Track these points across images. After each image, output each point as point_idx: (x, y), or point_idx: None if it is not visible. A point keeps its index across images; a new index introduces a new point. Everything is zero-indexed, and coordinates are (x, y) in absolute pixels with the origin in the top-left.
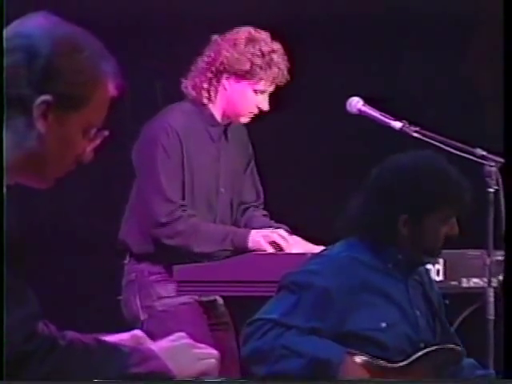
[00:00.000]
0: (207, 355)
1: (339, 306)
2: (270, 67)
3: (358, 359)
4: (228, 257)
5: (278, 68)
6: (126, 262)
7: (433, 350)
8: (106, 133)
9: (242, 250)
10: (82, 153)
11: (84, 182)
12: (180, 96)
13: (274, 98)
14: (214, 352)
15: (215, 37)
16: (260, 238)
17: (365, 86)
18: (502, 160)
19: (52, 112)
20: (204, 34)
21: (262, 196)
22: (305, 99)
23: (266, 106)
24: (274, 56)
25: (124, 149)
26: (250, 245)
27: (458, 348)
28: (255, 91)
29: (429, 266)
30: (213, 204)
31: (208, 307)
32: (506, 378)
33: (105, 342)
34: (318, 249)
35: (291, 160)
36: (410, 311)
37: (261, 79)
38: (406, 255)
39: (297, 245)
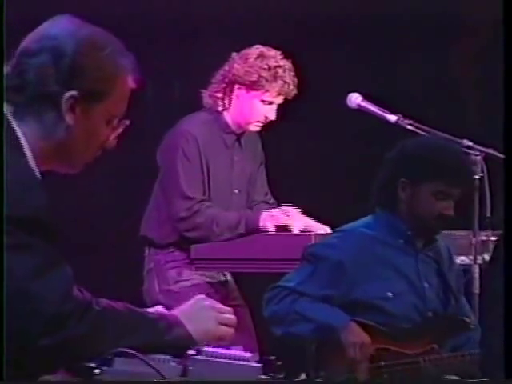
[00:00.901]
0: (227, 320)
1: (350, 277)
2: (275, 80)
3: (361, 325)
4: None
5: (283, 81)
6: (145, 254)
7: (438, 319)
8: (127, 122)
9: (254, 231)
10: (106, 140)
11: (108, 175)
12: (199, 103)
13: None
14: (233, 317)
15: (233, 54)
16: (267, 220)
17: (364, 83)
18: (486, 150)
19: (78, 105)
20: (225, 51)
21: (269, 195)
22: (308, 98)
23: (273, 116)
24: (280, 70)
25: (144, 147)
26: (261, 225)
27: (466, 319)
28: (263, 101)
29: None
30: (227, 204)
31: (221, 287)
32: (506, 378)
33: (134, 310)
34: (317, 225)
35: (296, 156)
36: (417, 283)
37: (267, 90)
38: (415, 231)
39: (299, 220)
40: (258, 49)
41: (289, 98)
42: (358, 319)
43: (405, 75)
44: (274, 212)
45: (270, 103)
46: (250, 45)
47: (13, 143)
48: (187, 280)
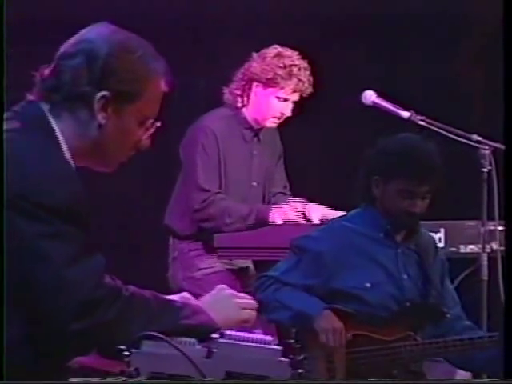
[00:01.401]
0: (248, 305)
1: (331, 268)
2: (290, 77)
3: (340, 312)
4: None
5: (298, 79)
6: (170, 243)
7: (416, 308)
8: (159, 123)
9: (263, 224)
10: (139, 141)
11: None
12: (220, 99)
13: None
14: (254, 302)
15: (254, 53)
16: (276, 214)
17: (379, 81)
18: (494, 144)
19: (110, 105)
20: (246, 51)
21: (288, 187)
22: (326, 95)
23: (288, 112)
24: (294, 69)
25: (171, 142)
26: (271, 219)
27: (443, 309)
28: (278, 98)
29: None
30: (246, 196)
31: (241, 274)
32: (506, 378)
33: (161, 296)
34: (334, 212)
35: (313, 150)
36: (396, 274)
37: (282, 88)
38: (394, 225)
39: (316, 210)
40: (275, 49)
41: (304, 95)
42: (336, 306)
43: (417, 74)
44: (283, 207)
45: (285, 100)
46: (269, 44)
47: (50, 138)
48: (209, 268)
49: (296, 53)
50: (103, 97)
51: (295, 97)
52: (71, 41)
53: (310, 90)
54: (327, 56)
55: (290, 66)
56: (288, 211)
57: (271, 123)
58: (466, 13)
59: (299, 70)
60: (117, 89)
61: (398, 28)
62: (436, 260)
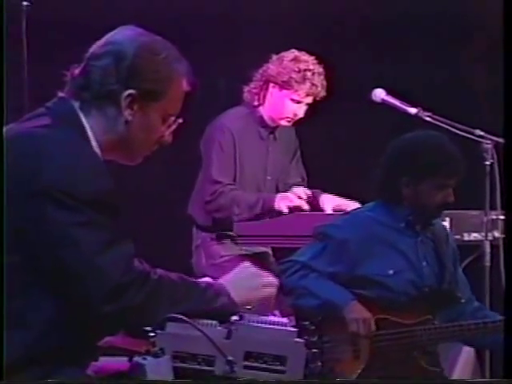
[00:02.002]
0: (269, 283)
1: (355, 255)
2: (303, 81)
3: (363, 298)
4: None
5: (311, 83)
6: (193, 231)
7: (433, 294)
8: (181, 120)
9: (270, 211)
10: (162, 136)
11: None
12: (239, 97)
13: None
14: (275, 281)
15: (273, 55)
16: (281, 201)
17: (388, 79)
18: (496, 139)
19: (136, 103)
20: (265, 53)
21: (305, 179)
22: (339, 93)
23: (300, 114)
24: (308, 73)
25: (195, 137)
26: (276, 207)
27: (458, 294)
28: (292, 100)
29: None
30: (261, 189)
31: (261, 260)
32: (506, 378)
33: (187, 279)
34: (347, 203)
35: (328, 144)
36: (416, 262)
37: (296, 90)
38: (415, 216)
39: (331, 201)
40: (293, 53)
41: (317, 98)
42: (360, 292)
43: (424, 73)
44: (287, 194)
45: (299, 102)
46: (287, 44)
47: (80, 134)
48: (230, 254)
49: (312, 58)
50: (130, 95)
51: (308, 99)
52: (100, 42)
53: (322, 93)
54: (340, 55)
55: (305, 70)
56: (292, 198)
57: (285, 123)
58: (466, 13)
59: (313, 74)
60: (142, 87)
61: (405, 30)
62: (448, 247)
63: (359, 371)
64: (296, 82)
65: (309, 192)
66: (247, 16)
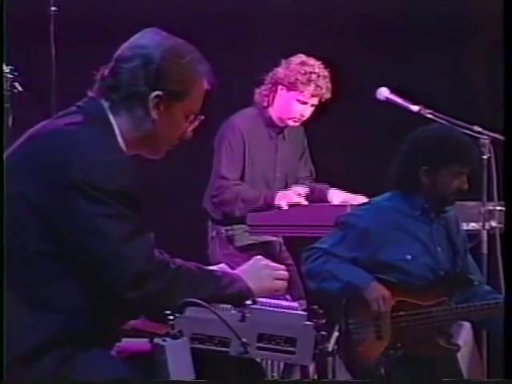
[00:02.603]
0: (280, 275)
1: (375, 242)
2: (308, 83)
3: (383, 281)
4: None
5: (316, 85)
6: (208, 223)
7: (448, 277)
8: (202, 117)
9: (270, 207)
10: (184, 132)
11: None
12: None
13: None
14: (286, 273)
15: (283, 60)
16: (281, 198)
17: (391, 78)
18: (493, 134)
19: (162, 103)
20: (277, 56)
21: (314, 175)
22: (345, 91)
23: (306, 115)
24: (313, 76)
25: (212, 134)
26: (276, 203)
27: (471, 277)
28: (298, 100)
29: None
30: (270, 185)
31: (273, 249)
32: (506, 378)
33: (203, 268)
34: (354, 197)
35: (336, 139)
36: (432, 248)
37: (302, 91)
38: (430, 204)
39: (338, 195)
40: (300, 57)
41: (323, 100)
42: (380, 276)
43: (426, 72)
44: (287, 192)
45: (305, 103)
46: (295, 50)
47: (108, 132)
48: (243, 245)
49: (319, 62)
50: (157, 96)
51: (314, 101)
52: (127, 44)
53: (328, 95)
54: (346, 56)
55: (310, 72)
56: (292, 195)
57: (292, 123)
58: (466, 13)
59: (318, 77)
60: (169, 89)
61: (406, 30)
62: (459, 235)
63: (382, 350)
64: (301, 83)
65: (308, 190)
66: (260, 19)
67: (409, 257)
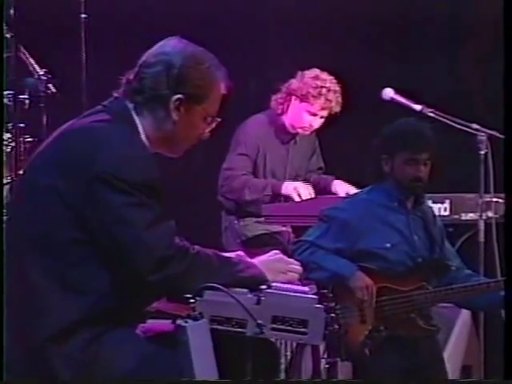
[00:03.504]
0: (293, 268)
1: (355, 233)
2: (319, 96)
3: (365, 269)
4: (271, 202)
5: (326, 99)
6: (222, 214)
7: (426, 263)
8: (219, 119)
9: (277, 195)
10: (202, 133)
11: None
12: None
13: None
14: (299, 267)
15: (299, 72)
16: (291, 189)
17: (395, 80)
18: (490, 131)
19: (183, 106)
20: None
21: (323, 169)
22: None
23: (315, 125)
24: (324, 90)
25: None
26: (283, 192)
27: (447, 263)
28: (308, 112)
29: (434, 207)
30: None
31: (284, 238)
32: (506, 378)
33: (220, 253)
34: (354, 189)
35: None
36: (409, 236)
37: (312, 104)
38: (405, 195)
39: (342, 186)
40: (314, 71)
41: (332, 113)
42: (363, 265)
43: (427, 73)
44: (293, 182)
45: (314, 114)
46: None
47: (133, 130)
48: (254, 234)
49: (331, 77)
50: (178, 99)
51: (324, 113)
52: (151, 51)
53: (337, 109)
54: (353, 57)
55: (321, 87)
56: (298, 186)
57: (302, 131)
58: (467, 14)
59: (328, 91)
60: (188, 92)
61: (407, 32)
62: (436, 224)
63: (366, 333)
64: (312, 96)
65: (311, 188)
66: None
67: (388, 245)
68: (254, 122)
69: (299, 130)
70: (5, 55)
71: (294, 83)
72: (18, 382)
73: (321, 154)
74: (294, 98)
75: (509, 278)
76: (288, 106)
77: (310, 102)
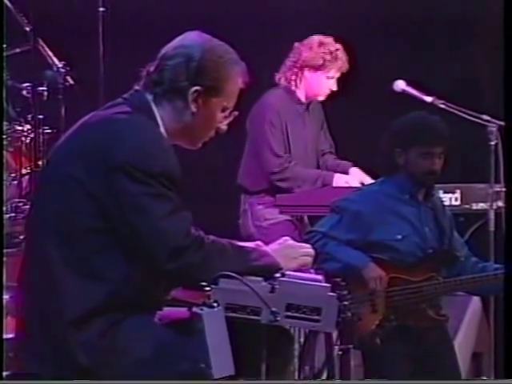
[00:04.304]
0: (306, 253)
1: (367, 224)
2: (336, 60)
3: (377, 260)
4: None
5: (342, 61)
6: (241, 197)
7: (436, 254)
8: (237, 113)
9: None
10: (220, 126)
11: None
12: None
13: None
14: (311, 251)
15: (296, 44)
16: (342, 182)
17: (407, 71)
18: (500, 122)
19: (201, 98)
20: (290, 42)
21: (333, 146)
22: (364, 82)
23: (335, 88)
24: (338, 53)
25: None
26: (334, 184)
27: (457, 253)
28: (327, 77)
29: (444, 198)
30: (303, 158)
31: (299, 225)
32: (506, 378)
33: (234, 243)
34: (369, 179)
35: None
36: (420, 227)
37: (330, 69)
38: (416, 188)
39: (357, 175)
40: (314, 39)
41: (343, 72)
42: (374, 255)
43: (440, 66)
44: (343, 175)
45: (333, 78)
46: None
47: (152, 121)
48: (273, 218)
49: (331, 38)
50: (196, 91)
51: (338, 74)
52: (171, 45)
53: (346, 65)
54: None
55: (335, 50)
56: (349, 179)
57: (322, 98)
58: (477, 13)
59: (341, 52)
60: (207, 85)
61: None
62: (445, 215)
63: (377, 322)
64: (330, 62)
65: (361, 179)
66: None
67: (399, 236)
68: (270, 96)
69: (319, 98)
70: (24, 48)
71: (304, 56)
72: (17, 382)
73: (328, 131)
74: (306, 70)
75: None
76: (301, 80)
77: (327, 68)
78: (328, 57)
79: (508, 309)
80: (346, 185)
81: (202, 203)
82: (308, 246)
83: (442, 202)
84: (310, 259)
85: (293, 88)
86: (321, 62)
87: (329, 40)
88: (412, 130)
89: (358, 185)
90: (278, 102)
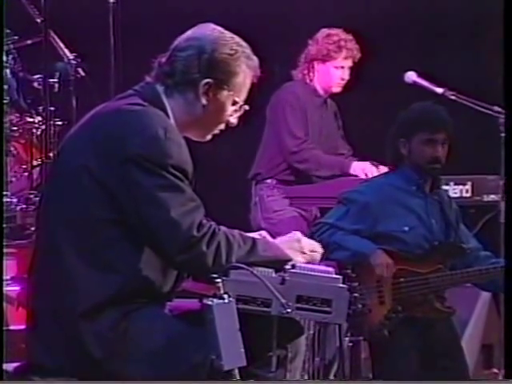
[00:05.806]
0: (313, 248)
1: (374, 215)
2: (339, 49)
3: (385, 251)
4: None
5: (346, 49)
6: (252, 191)
7: (442, 246)
8: (247, 107)
9: (345, 175)
10: (229, 120)
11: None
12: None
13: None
14: (319, 248)
15: (310, 41)
16: (360, 170)
17: (418, 64)
18: None
19: (211, 90)
20: (305, 38)
21: (351, 151)
22: (376, 74)
23: (346, 77)
24: (342, 42)
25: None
26: (351, 172)
27: (463, 246)
28: (336, 67)
29: (455, 189)
30: (317, 144)
31: (309, 218)
32: (506, 378)
33: (245, 234)
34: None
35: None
36: (426, 220)
37: (335, 59)
38: (423, 179)
39: (362, 165)
40: (324, 31)
41: (355, 61)
42: (380, 247)
43: (453, 60)
44: (363, 163)
45: (342, 67)
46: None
47: (163, 113)
48: (282, 211)
49: (341, 29)
50: (207, 83)
51: (349, 63)
52: (183, 37)
53: (359, 55)
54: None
55: (338, 40)
56: (367, 167)
57: (336, 89)
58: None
59: (345, 41)
60: (218, 78)
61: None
62: (451, 208)
63: (385, 313)
64: (334, 51)
65: (379, 168)
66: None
67: (406, 228)
68: (292, 85)
69: (333, 89)
70: (35, 40)
71: (311, 49)
72: (17, 382)
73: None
74: (315, 63)
75: None
76: (313, 73)
77: (333, 58)
78: (331, 47)
79: (508, 307)
80: (363, 172)
81: (214, 196)
82: (315, 243)
83: (448, 195)
84: (318, 255)
85: (307, 81)
86: (325, 52)
87: (335, 31)
88: (414, 119)
89: (376, 173)
90: (299, 90)
